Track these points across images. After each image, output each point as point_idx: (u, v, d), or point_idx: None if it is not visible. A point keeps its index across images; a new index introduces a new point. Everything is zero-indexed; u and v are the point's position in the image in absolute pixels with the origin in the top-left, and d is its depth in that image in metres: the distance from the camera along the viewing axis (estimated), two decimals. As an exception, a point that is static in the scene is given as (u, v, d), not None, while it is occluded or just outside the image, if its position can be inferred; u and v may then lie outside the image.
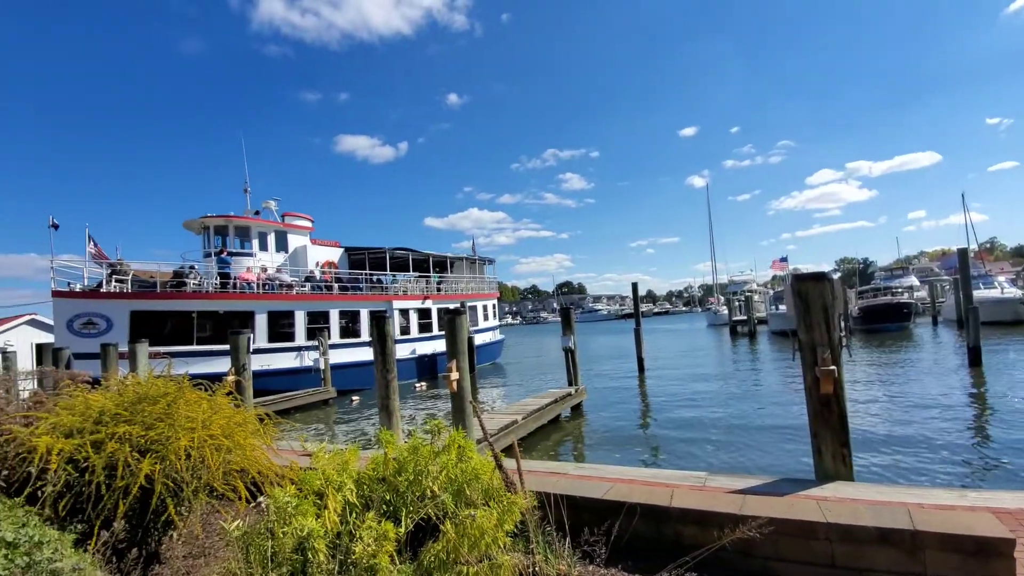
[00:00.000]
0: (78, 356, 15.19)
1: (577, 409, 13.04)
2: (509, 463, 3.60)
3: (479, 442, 5.23)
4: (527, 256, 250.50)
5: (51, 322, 18.88)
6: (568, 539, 3.14)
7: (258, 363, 16.02)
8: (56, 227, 17.03)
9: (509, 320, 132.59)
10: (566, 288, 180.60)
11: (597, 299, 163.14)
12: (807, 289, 4.74)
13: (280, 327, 20.04)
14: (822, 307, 4.70)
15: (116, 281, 17.54)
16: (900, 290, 39.59)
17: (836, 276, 5.04)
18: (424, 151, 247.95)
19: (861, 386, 14.65)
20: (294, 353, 20.15)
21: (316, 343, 20.28)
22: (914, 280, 55.22)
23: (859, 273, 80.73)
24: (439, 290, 27.41)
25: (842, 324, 4.94)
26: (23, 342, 30.60)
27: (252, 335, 15.00)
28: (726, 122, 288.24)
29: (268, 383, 17.98)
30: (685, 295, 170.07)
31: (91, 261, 17.80)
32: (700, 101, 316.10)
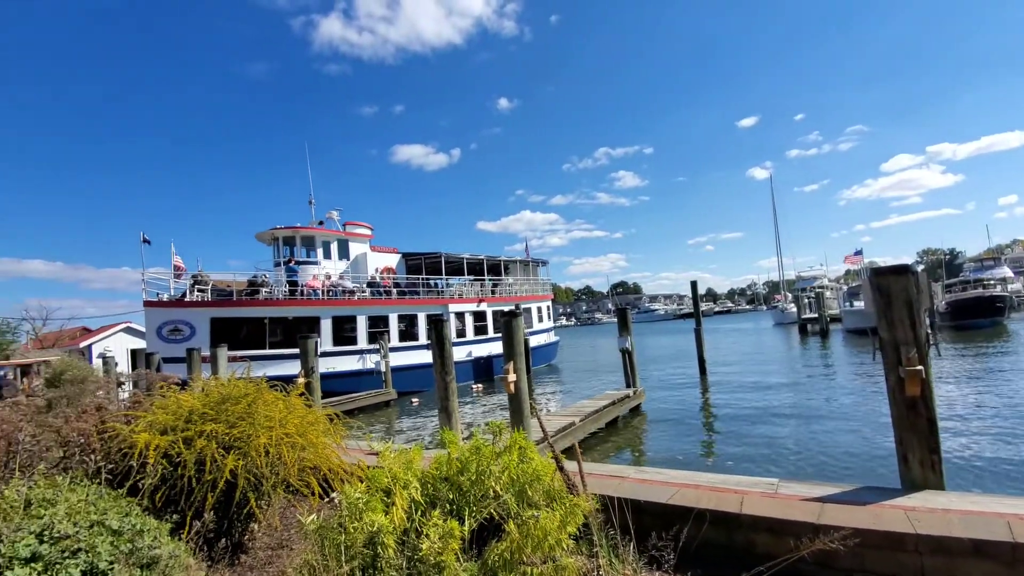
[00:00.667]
0: (166, 360, 16.56)
1: (636, 411, 12.76)
2: (570, 465, 3.59)
3: (538, 443, 5.24)
4: (580, 257, 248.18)
5: (143, 329, 20.65)
6: (633, 544, 3.08)
7: (323, 366, 16.82)
8: (148, 242, 18.70)
9: (563, 322, 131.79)
10: (621, 288, 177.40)
11: (654, 299, 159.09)
12: (888, 283, 4.41)
13: (343, 331, 20.93)
14: (905, 302, 4.35)
15: (198, 291, 18.97)
16: (992, 282, 35.97)
17: (920, 269, 4.66)
18: (476, 156, 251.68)
19: (950, 387, 13.42)
20: (356, 356, 20.98)
21: (377, 346, 21.02)
22: (1007, 271, 49.82)
23: (945, 265, 74.08)
24: (494, 293, 27.68)
25: (928, 321, 4.55)
26: (120, 348, 33.75)
27: (318, 339, 15.79)
28: (789, 109, 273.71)
29: (333, 385, 18.81)
30: (748, 293, 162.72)
31: (174, 273, 19.35)
32: (760, 89, 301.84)
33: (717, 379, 18.66)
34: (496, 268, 29.50)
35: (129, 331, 35.65)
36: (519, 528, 2.78)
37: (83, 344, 36.96)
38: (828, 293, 45.41)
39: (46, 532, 2.31)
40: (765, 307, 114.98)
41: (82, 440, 3.63)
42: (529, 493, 3.20)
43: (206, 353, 15.64)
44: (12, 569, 2.08)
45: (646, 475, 5.26)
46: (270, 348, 19.01)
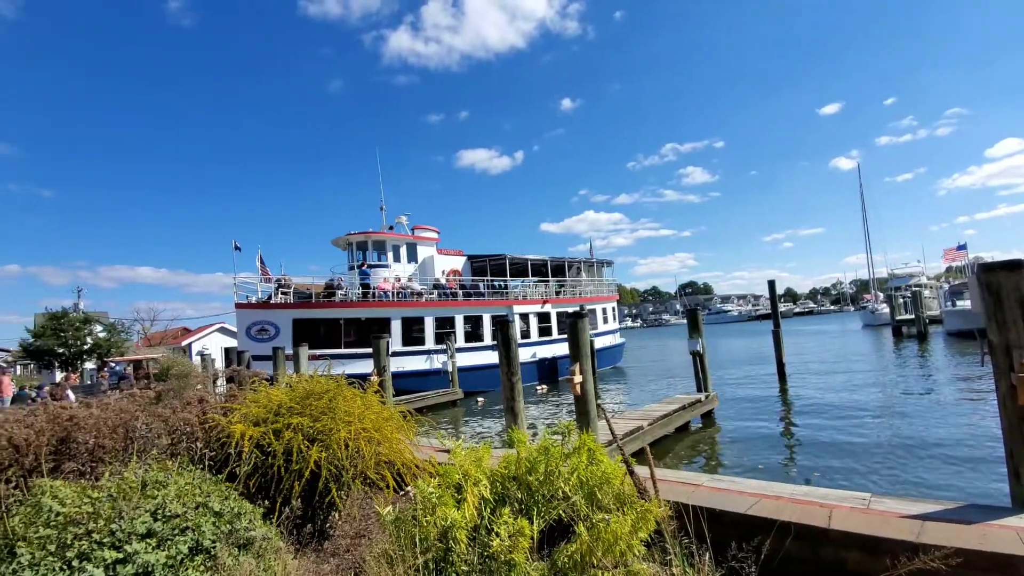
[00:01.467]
0: (255, 358, 17.91)
1: (708, 417, 12.23)
2: (639, 470, 3.50)
3: (606, 446, 5.15)
4: (646, 257, 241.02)
5: (235, 329, 22.48)
6: (710, 553, 2.96)
7: (393, 365, 17.49)
8: (239, 249, 20.35)
9: (628, 323, 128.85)
10: (690, 288, 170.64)
11: (726, 299, 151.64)
12: (998, 280, 3.95)
13: (412, 332, 21.68)
14: (1018, 301, 3.87)
15: (281, 294, 20.39)
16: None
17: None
18: (539, 158, 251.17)
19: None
20: (424, 356, 21.65)
21: (444, 347, 21.58)
22: None
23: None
24: (558, 294, 27.59)
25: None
26: (215, 346, 36.97)
27: (389, 339, 16.46)
28: (878, 93, 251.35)
29: (401, 384, 19.52)
30: (833, 292, 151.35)
31: (261, 278, 20.91)
32: (844, 73, 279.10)
33: (798, 385, 17.50)
34: (560, 269, 29.36)
35: (223, 331, 39.00)
36: (589, 531, 2.76)
37: (184, 343, 40.85)
38: (927, 292, 41.33)
39: (159, 511, 2.58)
40: (852, 308, 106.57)
41: (188, 429, 4.01)
42: (598, 496, 3.16)
43: (289, 352, 16.76)
44: (131, 543, 2.34)
45: (721, 484, 5.03)
46: (345, 347, 20.04)
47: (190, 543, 2.48)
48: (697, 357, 12.47)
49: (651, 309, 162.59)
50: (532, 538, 2.82)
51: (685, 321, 13.58)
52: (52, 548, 2.28)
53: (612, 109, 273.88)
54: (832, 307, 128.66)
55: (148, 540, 2.43)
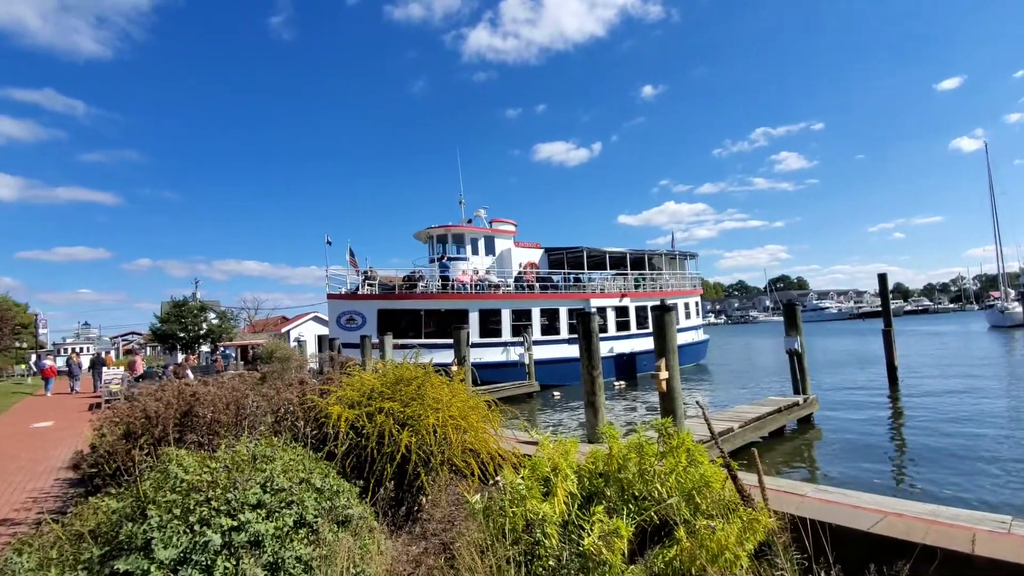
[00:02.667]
0: (345, 345, 19.04)
1: (806, 422, 11.26)
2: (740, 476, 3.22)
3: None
4: (732, 249, 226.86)
5: (327, 318, 24.07)
6: (834, 573, 2.64)
7: (470, 356, 17.86)
8: (330, 243, 21.72)
9: (712, 319, 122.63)
10: (781, 283, 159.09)
11: (823, 295, 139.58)
12: None
13: (489, 324, 21.99)
14: None
15: (367, 285, 21.51)
16: None
17: None
18: (617, 149, 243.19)
19: None
20: (501, 348, 21.89)
21: (521, 339, 21.69)
22: None
23: None
24: (637, 287, 26.76)
25: None
26: (310, 334, 39.88)
27: (468, 330, 16.79)
28: (1006, 65, 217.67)
29: (478, 375, 19.86)
30: (953, 289, 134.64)
31: (351, 270, 22.18)
32: (965, 44, 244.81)
33: (912, 390, 15.67)
34: (640, 262, 28.43)
35: (317, 320, 41.98)
36: (690, 537, 2.56)
37: (283, 330, 44.44)
38: (1077, 289, 35.45)
39: (268, 484, 2.73)
40: (976, 306, 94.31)
41: (290, 408, 4.26)
42: (697, 500, 2.94)
43: (375, 340, 17.63)
44: (244, 512, 2.48)
45: (829, 495, 4.56)
46: (425, 338, 20.76)
47: (295, 516, 2.61)
48: (795, 356, 11.52)
49: (736, 305, 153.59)
50: (627, 540, 2.67)
51: (774, 318, 12.65)
52: (177, 512, 2.48)
53: (697, 94, 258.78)
54: (951, 305, 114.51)
55: (259, 511, 2.58)
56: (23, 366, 44.32)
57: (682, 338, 25.68)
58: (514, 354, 21.90)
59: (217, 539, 2.37)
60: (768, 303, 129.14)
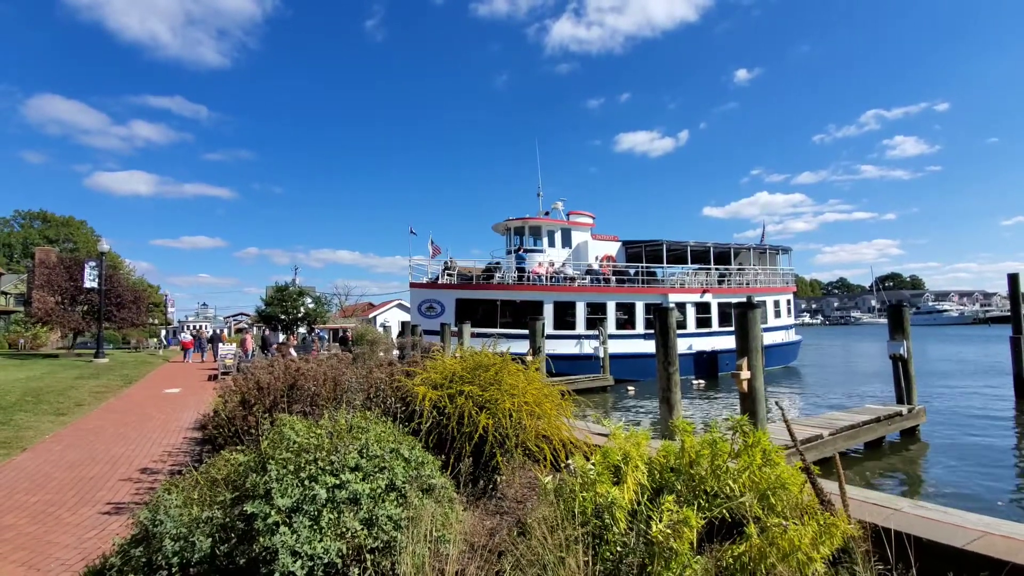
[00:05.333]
0: (426, 332, 20.01)
1: (910, 434, 10.29)
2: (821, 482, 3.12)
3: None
4: (833, 244, 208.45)
5: (409, 305, 25.37)
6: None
7: (545, 347, 18.06)
8: (414, 234, 22.85)
9: (807, 319, 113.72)
10: (891, 282, 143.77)
11: (942, 296, 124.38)
12: None
13: (564, 316, 22.06)
14: None
15: (447, 275, 22.37)
16: None
17: None
18: (706, 137, 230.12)
19: None
20: (575, 340, 21.89)
21: (596, 332, 21.56)
22: None
23: None
24: (721, 283, 25.55)
25: None
26: (394, 320, 42.19)
27: (543, 322, 17.01)
28: None
29: (552, 366, 20.06)
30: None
31: (432, 260, 23.17)
32: None
33: (1047, 408, 13.72)
34: (724, 256, 27.06)
35: (400, 307, 44.30)
36: (761, 534, 2.56)
37: (370, 316, 47.35)
38: None
39: (364, 450, 3.08)
40: None
41: (380, 387, 4.68)
42: (771, 500, 2.90)
43: (454, 328, 18.36)
44: (344, 472, 2.84)
45: (926, 512, 4.22)
46: (501, 327, 21.25)
47: (386, 481, 2.93)
48: (900, 362, 10.55)
49: (836, 304, 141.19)
50: (697, 531, 2.72)
51: (881, 320, 11.61)
52: (291, 468, 2.89)
53: (798, 75, 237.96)
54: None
55: (356, 473, 2.93)
56: (155, 340, 50.82)
57: (769, 338, 24.22)
58: (588, 347, 21.83)
59: (323, 493, 2.74)
60: (874, 303, 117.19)
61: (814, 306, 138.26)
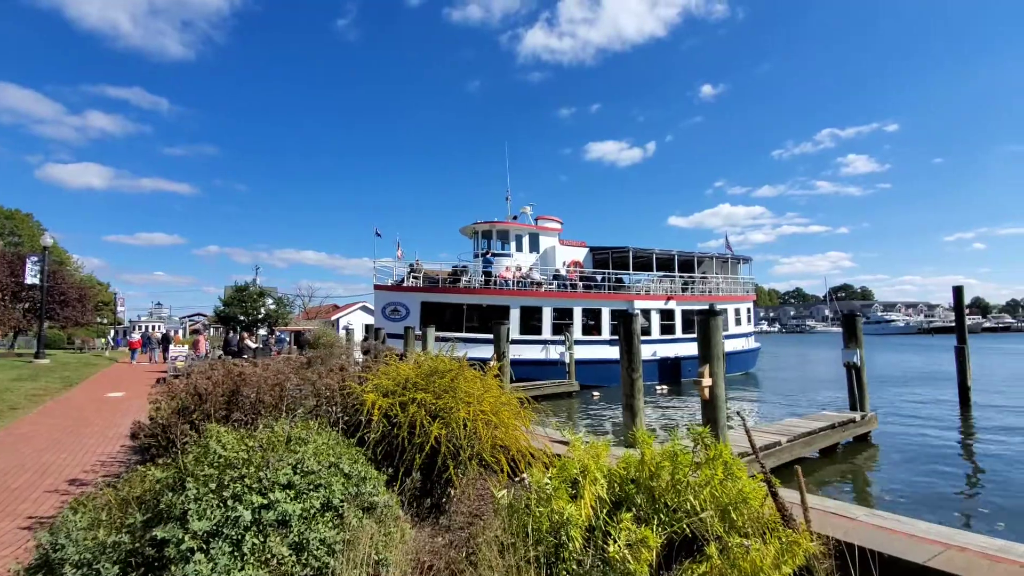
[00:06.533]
0: (390, 335, 19.49)
1: (863, 441, 10.56)
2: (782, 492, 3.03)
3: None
4: (790, 255, 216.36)
5: (373, 308, 24.71)
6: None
7: (510, 352, 17.85)
8: (379, 235, 22.33)
9: (765, 327, 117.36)
10: (843, 292, 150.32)
11: (890, 307, 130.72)
12: None
13: (530, 321, 21.92)
14: None
15: (412, 278, 21.92)
16: None
17: None
18: (672, 149, 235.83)
19: None
20: (541, 346, 21.78)
21: (562, 338, 21.51)
22: None
23: None
24: (684, 290, 25.97)
25: None
26: (358, 322, 41.18)
27: (508, 326, 16.83)
28: None
29: (517, 371, 19.75)
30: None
31: (399, 261, 22.68)
32: None
33: (986, 415, 14.41)
34: (688, 264, 27.54)
35: (365, 309, 43.36)
36: (721, 554, 2.42)
37: (334, 318, 46.16)
38: None
39: (299, 466, 2.79)
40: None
41: (328, 394, 4.38)
42: (732, 516, 2.78)
43: (419, 332, 17.95)
44: (273, 491, 2.55)
45: (882, 521, 4.23)
46: (467, 331, 20.92)
47: (322, 499, 2.66)
48: (853, 370, 10.83)
49: (792, 313, 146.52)
50: (655, 551, 2.56)
51: (833, 329, 11.95)
52: (212, 486, 2.58)
53: (760, 93, 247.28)
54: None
55: (288, 491, 2.65)
56: (103, 340, 48.15)
57: (730, 345, 24.73)
58: (554, 352, 21.76)
59: (247, 515, 2.45)
60: (827, 313, 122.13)
61: (772, 315, 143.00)
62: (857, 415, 10.49)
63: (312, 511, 2.59)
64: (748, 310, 28.61)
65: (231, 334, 32.68)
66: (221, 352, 21.83)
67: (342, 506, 2.69)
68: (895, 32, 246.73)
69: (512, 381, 15.20)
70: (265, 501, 2.53)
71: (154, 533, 2.46)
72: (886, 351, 44.09)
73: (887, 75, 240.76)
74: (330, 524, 2.59)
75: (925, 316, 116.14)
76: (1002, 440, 11.53)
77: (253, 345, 19.60)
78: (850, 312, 12.78)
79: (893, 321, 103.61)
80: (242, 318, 41.52)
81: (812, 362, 36.40)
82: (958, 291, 15.97)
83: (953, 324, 16.57)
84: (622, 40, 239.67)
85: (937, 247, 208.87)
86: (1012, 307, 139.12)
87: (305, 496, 2.62)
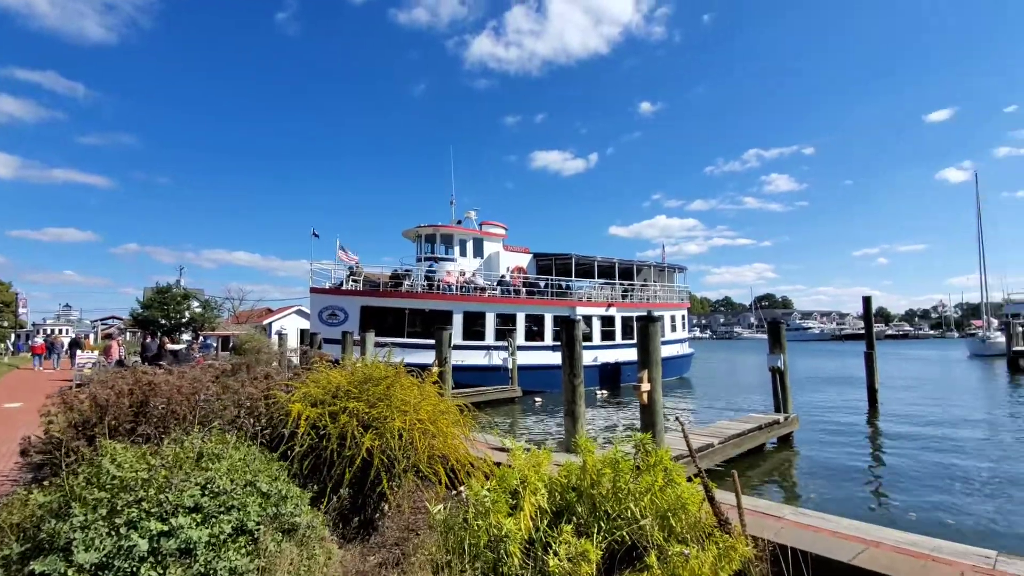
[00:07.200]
0: (327, 341, 18.64)
1: (785, 440, 11.20)
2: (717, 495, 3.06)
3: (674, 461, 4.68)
4: (720, 266, 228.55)
5: (309, 312, 23.60)
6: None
7: (453, 358, 17.57)
8: (316, 236, 21.32)
9: (697, 333, 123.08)
10: (767, 301, 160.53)
11: (807, 315, 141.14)
12: None
13: (473, 326, 21.72)
14: None
15: (352, 281, 21.14)
16: None
17: None
18: (613, 161, 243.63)
19: None
20: (484, 351, 21.62)
21: (505, 343, 21.46)
22: None
23: None
24: (624, 297, 26.69)
25: None
26: (292, 327, 39.20)
27: (451, 332, 16.56)
28: (997, 100, 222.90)
29: (460, 378, 19.55)
30: (934, 316, 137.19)
31: (339, 264, 21.78)
32: (955, 78, 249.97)
33: (891, 414, 15.75)
34: (628, 272, 28.37)
35: (300, 313, 41.35)
36: (661, 563, 2.39)
37: (266, 322, 43.73)
38: (1055, 322, 36.19)
39: (208, 486, 2.50)
40: (957, 334, 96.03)
41: (249, 404, 4.02)
42: (672, 522, 2.77)
43: (357, 337, 17.29)
44: (177, 517, 2.26)
45: (807, 519, 4.43)
46: (408, 337, 20.43)
47: (234, 523, 2.38)
48: (777, 374, 11.47)
49: (722, 320, 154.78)
50: (596, 564, 2.49)
51: (759, 335, 12.63)
52: (103, 512, 2.25)
53: (694, 112, 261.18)
54: (931, 332, 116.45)
55: (194, 515, 2.35)
56: (1, 344, 43.21)
57: (667, 351, 25.68)
58: (497, 358, 21.66)
59: (143, 544, 2.15)
60: (753, 320, 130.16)
61: (703, 322, 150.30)
62: (781, 417, 11.11)
63: (222, 536, 2.31)
64: (683, 317, 29.83)
65: (149, 339, 30.17)
66: (138, 358, 20.08)
67: (258, 529, 2.42)
68: (811, 64, 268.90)
69: (454, 387, 14.96)
70: (166, 527, 2.23)
71: (32, 567, 2.11)
72: (804, 356, 47.40)
73: (805, 103, 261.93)
74: (243, 551, 2.32)
75: (837, 324, 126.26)
76: (906, 436, 12.61)
77: (175, 348, 18.15)
78: (774, 320, 13.56)
79: (810, 328, 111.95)
80: (163, 322, 38.52)
81: (740, 366, 38.47)
82: (867, 301, 17.39)
83: (862, 332, 18.00)
84: (567, 54, 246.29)
85: (848, 261, 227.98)
86: (910, 316, 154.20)
87: (214, 520, 2.34)
